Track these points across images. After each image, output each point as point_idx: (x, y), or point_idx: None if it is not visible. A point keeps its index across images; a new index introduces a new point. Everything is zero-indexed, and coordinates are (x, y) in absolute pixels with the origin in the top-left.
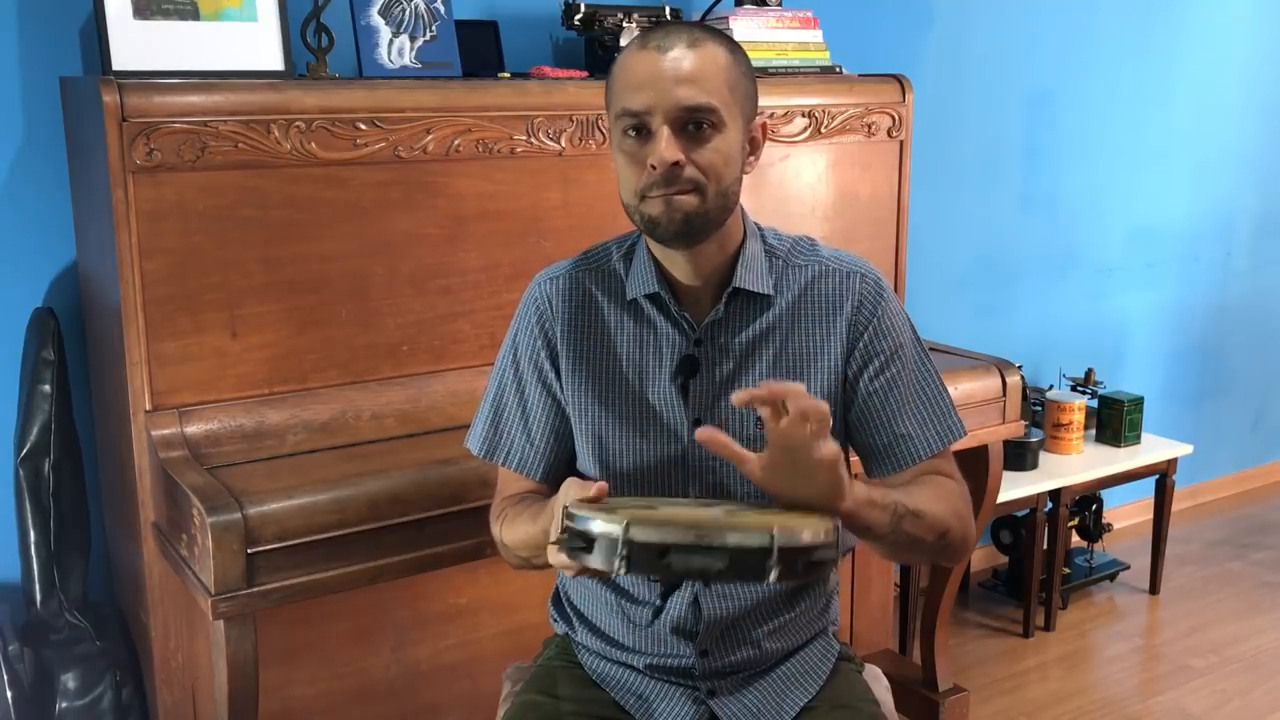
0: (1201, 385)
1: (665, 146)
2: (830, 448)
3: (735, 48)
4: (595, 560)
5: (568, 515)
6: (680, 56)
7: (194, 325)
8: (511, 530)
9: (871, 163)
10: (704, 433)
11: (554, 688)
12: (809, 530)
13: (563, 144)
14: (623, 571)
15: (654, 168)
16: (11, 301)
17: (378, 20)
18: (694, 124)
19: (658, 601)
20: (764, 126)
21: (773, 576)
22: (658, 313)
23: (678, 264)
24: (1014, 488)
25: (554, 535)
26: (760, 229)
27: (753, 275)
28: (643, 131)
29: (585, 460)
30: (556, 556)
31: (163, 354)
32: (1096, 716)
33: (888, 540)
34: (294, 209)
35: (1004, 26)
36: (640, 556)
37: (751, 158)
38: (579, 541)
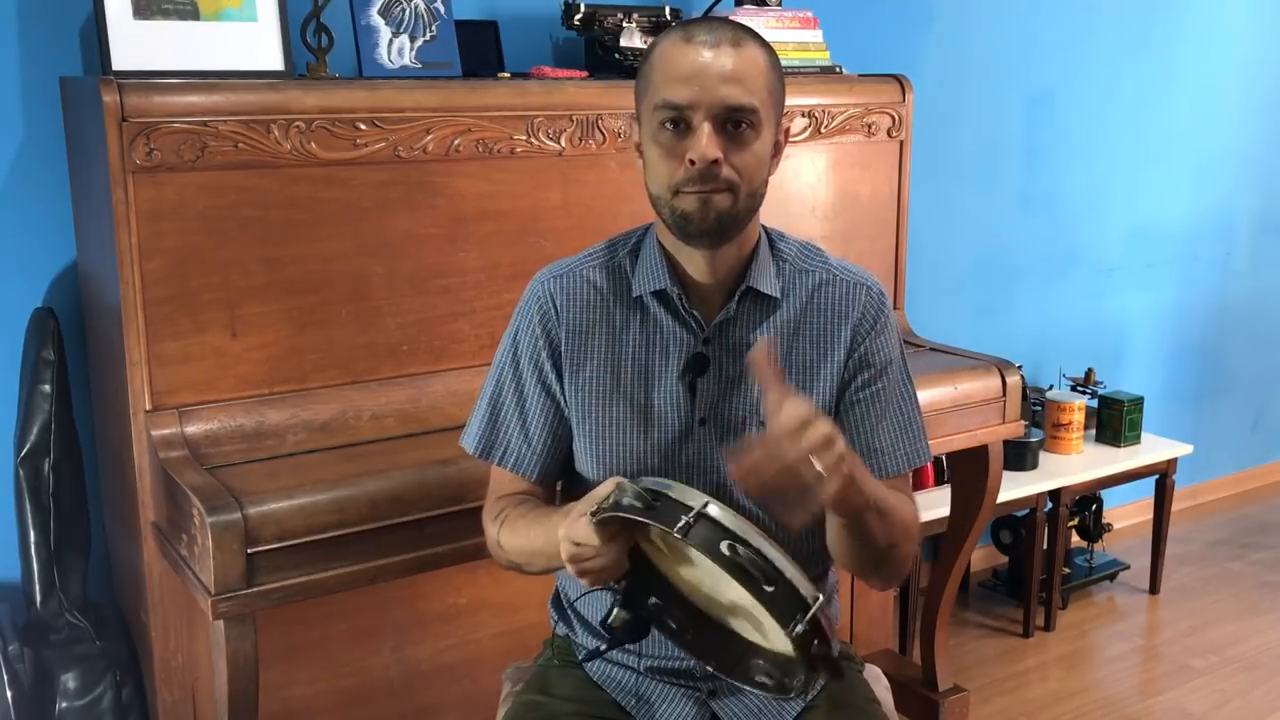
0: (1201, 385)
1: (707, 143)
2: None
3: (771, 51)
4: (651, 515)
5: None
6: (726, 54)
7: (194, 325)
8: (511, 534)
9: (871, 163)
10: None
11: (554, 688)
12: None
13: (563, 144)
14: (680, 536)
15: (693, 163)
16: (11, 301)
17: (378, 20)
18: (734, 123)
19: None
20: (787, 130)
21: (797, 629)
22: (665, 311)
23: (695, 262)
24: (1014, 488)
25: (583, 510)
26: (767, 231)
27: (764, 277)
28: (681, 125)
29: (585, 461)
30: (586, 530)
31: (163, 354)
32: (1096, 716)
33: (849, 527)
34: (294, 209)
35: (1004, 26)
36: (704, 526)
37: (774, 160)
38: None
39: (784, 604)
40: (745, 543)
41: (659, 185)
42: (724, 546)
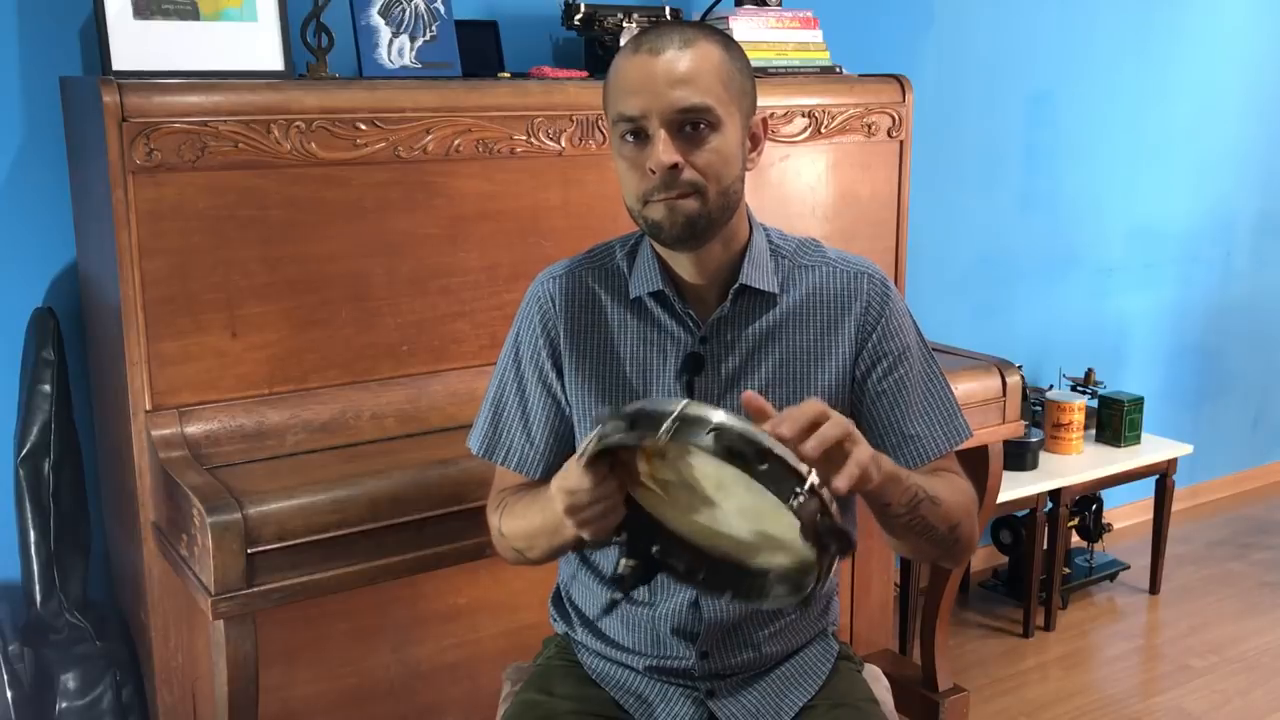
0: (1201, 385)
1: (663, 150)
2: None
3: (730, 44)
4: (637, 433)
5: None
6: (673, 58)
7: (194, 325)
8: (511, 519)
9: (871, 163)
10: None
11: (553, 687)
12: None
13: (563, 144)
14: (667, 438)
15: (653, 172)
16: (11, 301)
17: (378, 20)
18: (690, 125)
19: (651, 598)
20: (764, 122)
21: (799, 500)
22: (662, 311)
23: (682, 263)
24: (1014, 488)
25: (577, 455)
26: (765, 228)
27: (759, 273)
28: (640, 136)
29: None
30: (577, 475)
31: (163, 354)
32: (1096, 716)
33: (902, 521)
34: (294, 209)
35: (1004, 26)
36: (689, 425)
37: (753, 154)
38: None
39: (780, 479)
40: (729, 429)
41: (629, 197)
42: (709, 439)
